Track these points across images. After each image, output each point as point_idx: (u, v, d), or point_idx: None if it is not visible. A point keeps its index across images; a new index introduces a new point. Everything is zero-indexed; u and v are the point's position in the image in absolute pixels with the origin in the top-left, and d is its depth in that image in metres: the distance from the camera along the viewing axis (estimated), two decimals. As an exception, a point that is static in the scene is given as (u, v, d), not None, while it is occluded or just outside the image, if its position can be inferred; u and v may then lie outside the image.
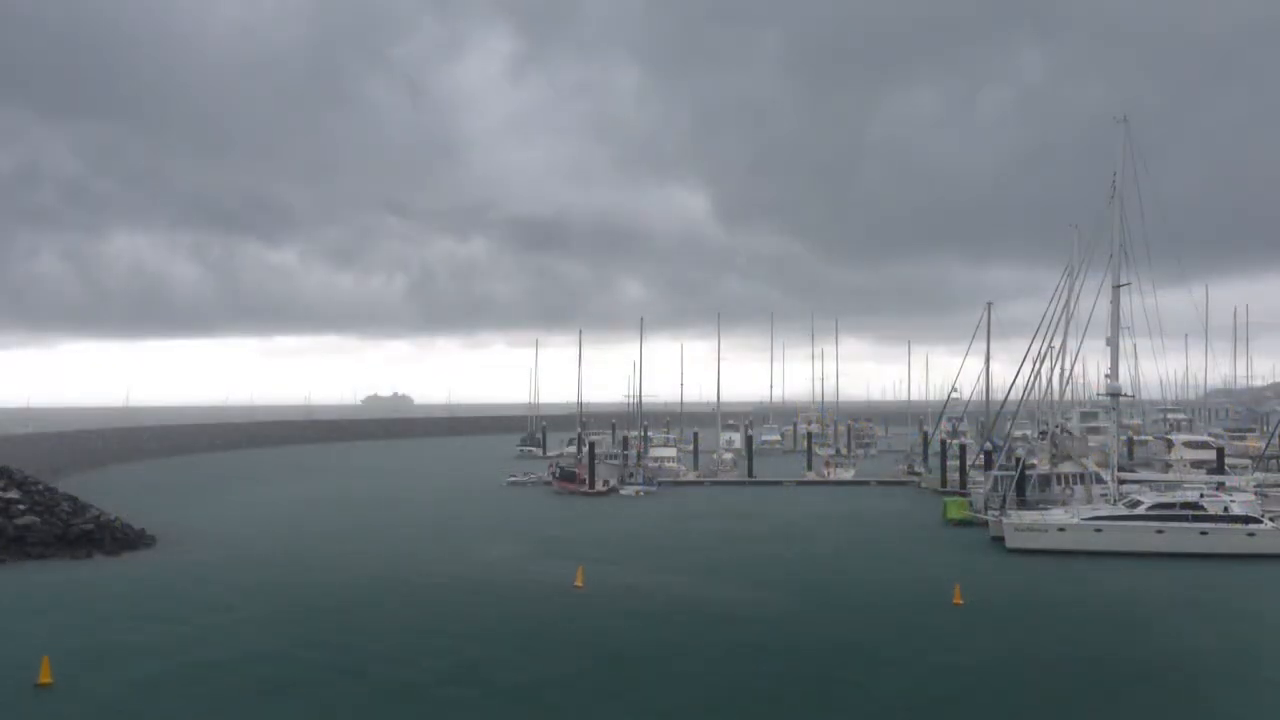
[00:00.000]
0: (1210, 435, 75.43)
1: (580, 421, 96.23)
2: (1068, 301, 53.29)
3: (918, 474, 73.47)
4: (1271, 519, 40.19)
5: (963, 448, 65.48)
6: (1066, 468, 50.62)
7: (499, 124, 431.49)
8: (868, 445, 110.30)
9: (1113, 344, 45.07)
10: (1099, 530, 39.82)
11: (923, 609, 29.69)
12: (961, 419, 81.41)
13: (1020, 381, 58.03)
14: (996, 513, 44.16)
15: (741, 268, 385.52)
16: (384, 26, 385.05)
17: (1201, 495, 40.86)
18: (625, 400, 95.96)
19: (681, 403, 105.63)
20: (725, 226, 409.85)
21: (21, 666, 23.02)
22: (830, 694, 21.54)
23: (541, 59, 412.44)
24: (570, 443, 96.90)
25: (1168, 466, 56.23)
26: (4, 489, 42.58)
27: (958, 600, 30.16)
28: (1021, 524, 40.96)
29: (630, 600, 31.05)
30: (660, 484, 69.08)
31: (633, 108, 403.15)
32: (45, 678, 22.10)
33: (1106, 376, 46.64)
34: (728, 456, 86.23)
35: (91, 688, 21.95)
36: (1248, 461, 59.27)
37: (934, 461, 71.44)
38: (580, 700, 21.06)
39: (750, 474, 75.54)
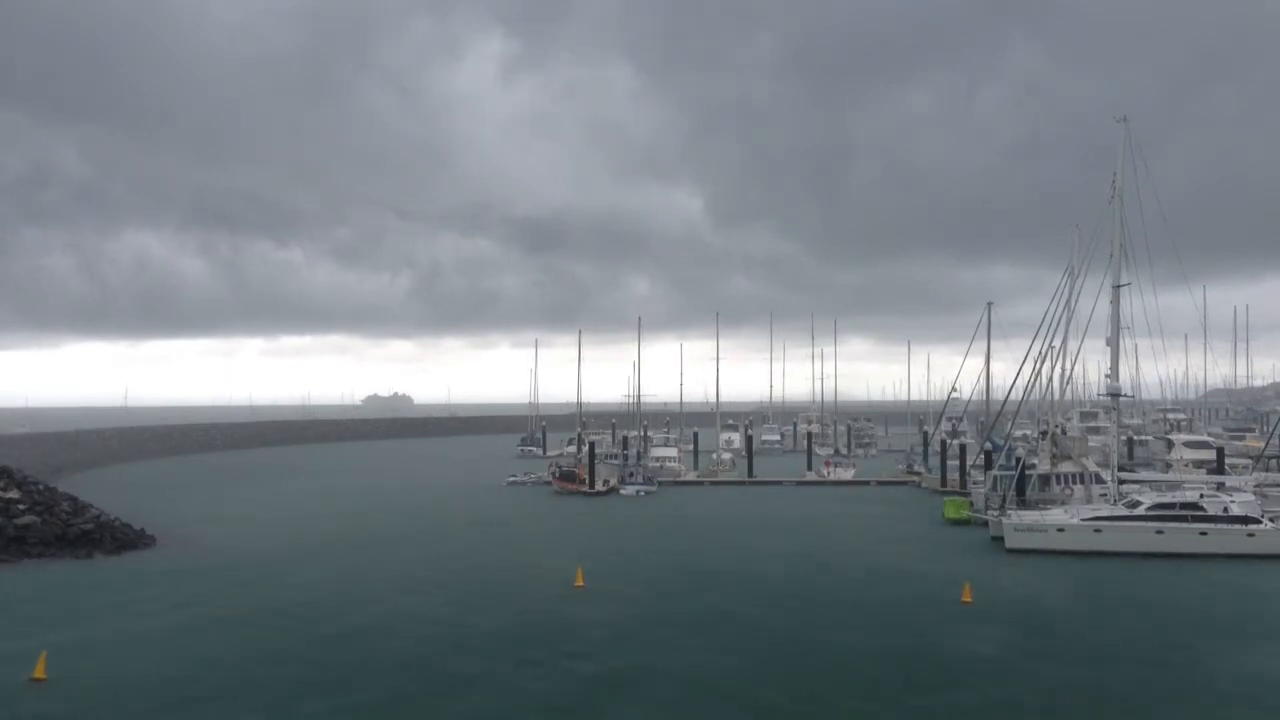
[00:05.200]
0: (1210, 435, 75.41)
1: (580, 421, 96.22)
2: (1068, 301, 53.34)
3: (918, 474, 73.45)
4: (1271, 519, 40.17)
5: (963, 448, 65.45)
6: (1066, 468, 50.58)
7: (498, 126, 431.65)
8: (868, 445, 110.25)
9: (1113, 344, 45.05)
10: (1099, 530, 39.81)
11: (932, 608, 29.68)
12: (961, 419, 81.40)
13: (1020, 381, 58.06)
14: (996, 512, 44.15)
15: (741, 268, 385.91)
16: (380, 29, 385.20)
17: (1201, 495, 40.84)
18: (625, 400, 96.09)
19: (681, 403, 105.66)
20: (724, 227, 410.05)
21: (17, 663, 23.08)
22: (848, 695, 21.52)
23: (537, 61, 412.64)
24: (570, 443, 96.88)
25: (1168, 466, 56.16)
26: (4, 489, 42.55)
27: (967, 599, 30.15)
28: (1021, 524, 40.94)
29: (631, 600, 31.04)
30: (660, 484, 69.05)
31: (628, 110, 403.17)
32: (40, 673, 22.19)
33: (1106, 376, 46.63)
34: (727, 456, 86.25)
35: (85, 684, 21.98)
36: (1248, 461, 59.23)
37: (934, 461, 71.44)
38: (580, 701, 21.06)
39: (750, 474, 75.52)
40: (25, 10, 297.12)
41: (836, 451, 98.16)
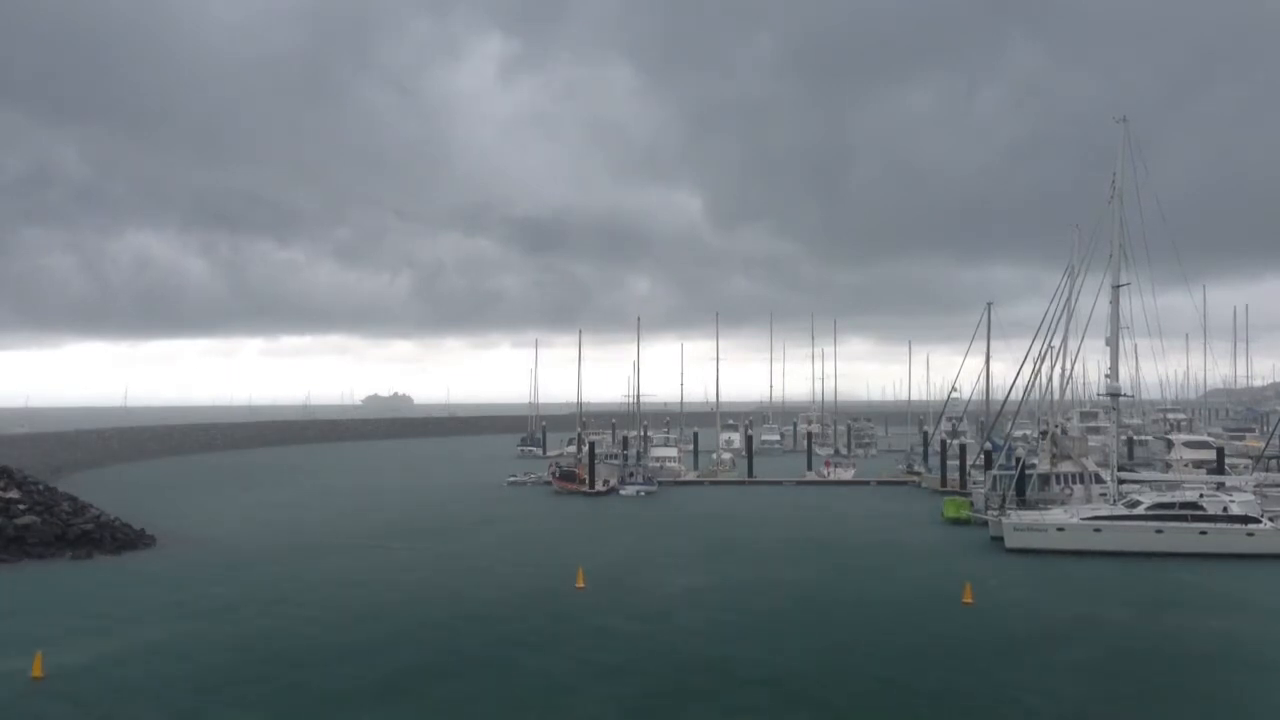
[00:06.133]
0: (1210, 435, 75.40)
1: (580, 421, 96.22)
2: (1068, 301, 53.37)
3: (918, 474, 73.44)
4: (1271, 519, 40.18)
5: (963, 448, 65.44)
6: (1066, 468, 50.60)
7: (498, 126, 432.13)
8: (868, 445, 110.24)
9: (1112, 344, 45.07)
10: (1098, 530, 39.82)
11: (934, 609, 29.67)
12: (961, 419, 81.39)
13: (1020, 381, 58.07)
14: (996, 512, 44.16)
15: (741, 268, 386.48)
16: (380, 29, 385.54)
17: (1201, 495, 40.84)
18: (625, 400, 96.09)
19: (681, 403, 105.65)
20: (724, 227, 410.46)
21: (17, 661, 23.17)
22: (850, 696, 21.54)
23: (536, 61, 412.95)
24: (570, 443, 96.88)
25: (1168, 466, 56.20)
26: (4, 489, 42.55)
27: (968, 600, 30.16)
28: (1021, 524, 40.95)
29: (632, 601, 31.04)
30: (660, 484, 69.04)
31: (628, 110, 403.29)
32: (38, 672, 22.29)
33: (1106, 376, 46.65)
34: (727, 456, 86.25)
35: (84, 684, 22.02)
36: (1248, 461, 59.24)
37: (934, 461, 71.44)
38: (584, 701, 21.06)
39: (750, 474, 75.52)
40: (25, 10, 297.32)
41: (836, 451, 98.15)
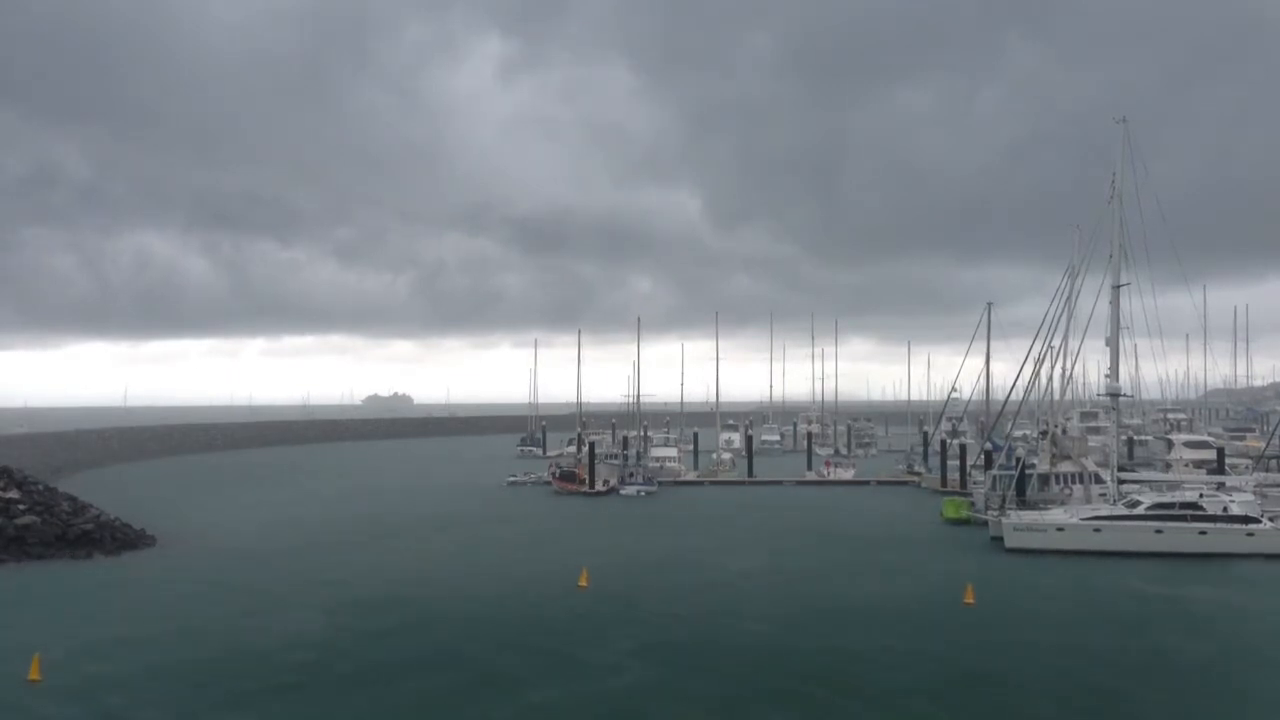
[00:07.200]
0: (1210, 435, 75.41)
1: (580, 421, 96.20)
2: (1068, 301, 53.37)
3: (918, 474, 73.46)
4: (1271, 519, 40.19)
5: (963, 448, 65.46)
6: (1066, 468, 50.60)
7: (497, 126, 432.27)
8: (868, 445, 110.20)
9: (1112, 344, 45.11)
10: (1098, 530, 39.82)
11: (935, 610, 29.65)
12: (961, 419, 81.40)
13: (1020, 381, 58.08)
14: (996, 512, 44.16)
15: (742, 268, 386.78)
16: (379, 30, 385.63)
17: (1201, 495, 40.85)
18: (625, 400, 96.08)
19: (682, 403, 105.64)
20: (724, 227, 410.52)
21: (15, 663, 23.12)
22: (854, 698, 21.53)
23: (535, 61, 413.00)
24: (570, 443, 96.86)
25: (1168, 466, 56.20)
26: (4, 489, 42.52)
27: (969, 600, 30.15)
28: (1021, 524, 40.96)
29: (634, 601, 31.03)
30: (660, 484, 69.03)
31: (627, 110, 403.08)
32: (35, 674, 22.24)
33: (1106, 376, 46.67)
34: (727, 456, 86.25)
35: (82, 685, 22.01)
36: (1248, 461, 59.24)
37: (934, 461, 71.44)
38: (586, 701, 21.06)
39: (750, 474, 75.53)
40: (25, 10, 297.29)
41: (836, 451, 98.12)
